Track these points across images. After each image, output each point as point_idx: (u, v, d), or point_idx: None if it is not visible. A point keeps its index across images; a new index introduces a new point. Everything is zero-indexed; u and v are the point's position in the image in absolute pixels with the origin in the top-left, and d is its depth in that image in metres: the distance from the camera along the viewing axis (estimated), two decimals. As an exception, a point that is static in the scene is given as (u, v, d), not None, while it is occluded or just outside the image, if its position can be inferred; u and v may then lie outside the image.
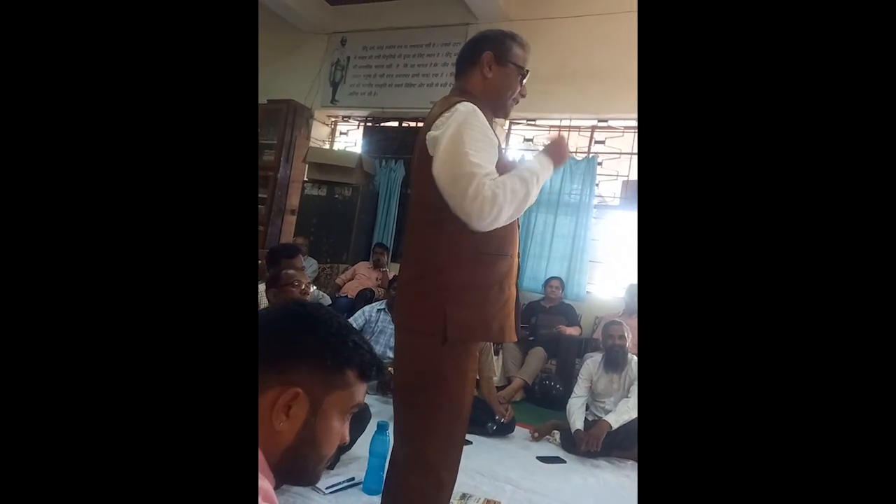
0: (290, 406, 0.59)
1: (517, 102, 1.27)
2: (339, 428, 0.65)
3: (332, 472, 1.81)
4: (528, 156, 1.34)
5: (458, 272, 1.11)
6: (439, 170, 1.08)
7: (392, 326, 3.11)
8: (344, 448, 1.87)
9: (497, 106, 1.24)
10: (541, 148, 1.22)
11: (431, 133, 1.11)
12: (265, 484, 0.58)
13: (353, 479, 1.77)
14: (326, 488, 1.68)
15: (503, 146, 1.20)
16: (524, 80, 1.24)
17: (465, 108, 1.09)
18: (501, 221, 1.07)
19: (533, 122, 4.62)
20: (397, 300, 1.24)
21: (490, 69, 1.20)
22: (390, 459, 1.22)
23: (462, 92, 1.20)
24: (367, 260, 4.58)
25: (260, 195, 5.06)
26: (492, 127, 1.15)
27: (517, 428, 2.61)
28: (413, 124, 5.01)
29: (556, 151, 1.20)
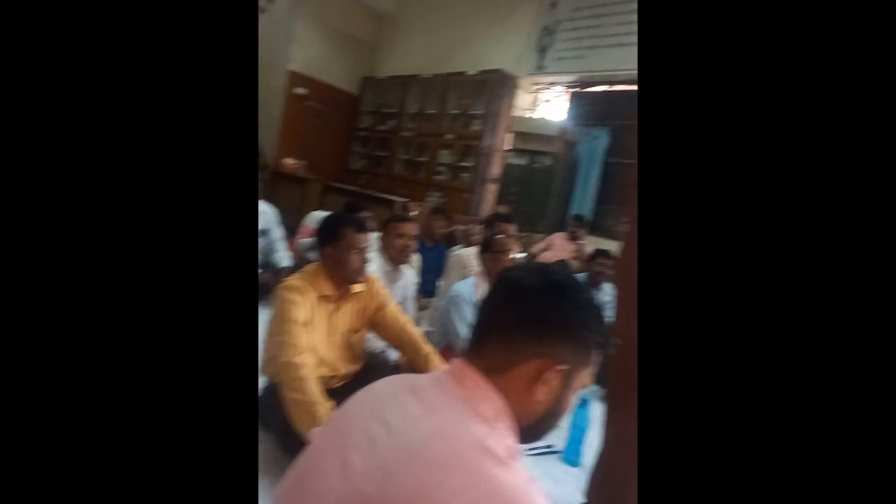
0: (552, 379, 0.62)
1: None
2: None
3: (530, 435, 1.88)
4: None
5: None
6: None
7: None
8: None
9: None
10: None
11: None
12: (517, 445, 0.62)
13: (551, 445, 1.82)
14: (526, 450, 1.76)
15: None
16: None
17: None
18: None
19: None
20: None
21: None
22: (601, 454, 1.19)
23: None
24: (564, 230, 4.53)
25: (465, 164, 5.36)
26: None
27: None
28: (623, 87, 4.68)
29: None
